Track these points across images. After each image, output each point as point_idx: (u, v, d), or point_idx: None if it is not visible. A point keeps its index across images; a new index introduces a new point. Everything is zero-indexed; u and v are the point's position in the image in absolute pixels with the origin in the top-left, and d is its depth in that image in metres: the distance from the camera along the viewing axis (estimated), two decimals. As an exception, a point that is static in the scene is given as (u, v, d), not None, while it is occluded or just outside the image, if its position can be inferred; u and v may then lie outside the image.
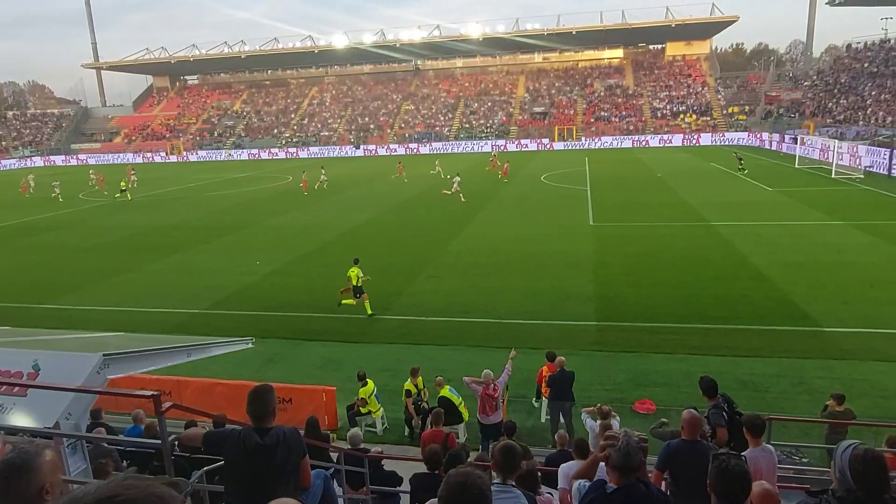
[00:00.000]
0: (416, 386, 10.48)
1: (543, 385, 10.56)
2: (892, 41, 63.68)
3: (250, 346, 9.94)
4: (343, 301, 16.04)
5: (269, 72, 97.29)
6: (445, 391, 9.85)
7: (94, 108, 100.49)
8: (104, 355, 4.63)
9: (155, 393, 3.85)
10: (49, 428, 3.99)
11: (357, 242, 24.57)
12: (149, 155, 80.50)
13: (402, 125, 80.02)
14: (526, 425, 10.68)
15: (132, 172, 49.24)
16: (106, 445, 6.19)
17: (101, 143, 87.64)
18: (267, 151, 77.06)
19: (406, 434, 10.59)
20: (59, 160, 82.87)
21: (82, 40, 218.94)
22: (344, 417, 10.78)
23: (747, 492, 3.06)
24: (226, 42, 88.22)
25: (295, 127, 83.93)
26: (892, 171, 36.58)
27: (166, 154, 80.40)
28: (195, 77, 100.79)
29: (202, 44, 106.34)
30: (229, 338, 10.61)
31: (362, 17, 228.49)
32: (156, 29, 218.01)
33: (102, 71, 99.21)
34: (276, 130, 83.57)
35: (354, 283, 15.79)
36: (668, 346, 13.34)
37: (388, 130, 79.19)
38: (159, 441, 3.98)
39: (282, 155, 76.27)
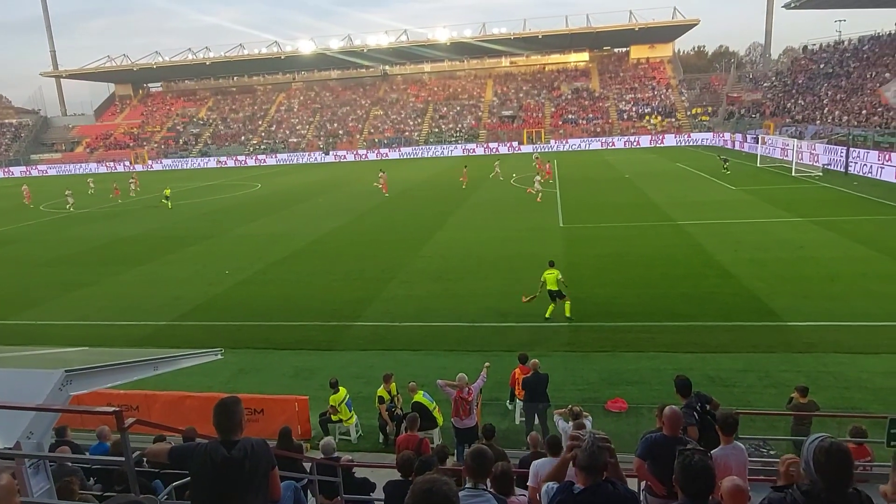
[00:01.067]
0: (389, 392, 10.42)
1: (517, 387, 10.60)
2: (846, 43, 65.83)
3: (219, 357, 9.76)
4: (526, 301, 15.54)
5: (236, 78, 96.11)
6: (419, 396, 9.82)
7: (54, 117, 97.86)
8: (66, 371, 4.50)
9: (117, 409, 3.75)
10: (9, 448, 3.86)
11: (328, 249, 24.42)
12: (111, 164, 78.76)
13: (372, 130, 79.80)
14: (500, 428, 10.66)
15: (132, 181, 48.11)
16: (70, 464, 6.01)
17: (61, 154, 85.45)
18: (234, 159, 76.07)
19: (381, 441, 10.53)
20: (18, 171, 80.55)
21: (40, 48, 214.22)
22: (318, 427, 10.67)
23: (710, 487, 3.12)
24: (190, 48, 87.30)
25: (263, 134, 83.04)
26: (849, 168, 37.76)
27: (130, 163, 78.78)
28: (159, 84, 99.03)
29: (166, 50, 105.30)
30: (198, 349, 10.43)
31: (330, 21, 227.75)
32: (117, 36, 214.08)
33: (62, 79, 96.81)
34: (243, 137, 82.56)
35: (554, 287, 15.08)
36: (638, 344, 13.52)
37: (358, 136, 78.90)
38: (123, 458, 3.88)
39: (250, 162, 75.39)
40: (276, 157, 75.35)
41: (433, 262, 21.51)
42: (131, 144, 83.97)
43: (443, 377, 10.35)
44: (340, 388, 10.48)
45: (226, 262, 22.84)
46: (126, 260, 24.35)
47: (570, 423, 7.63)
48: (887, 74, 49.17)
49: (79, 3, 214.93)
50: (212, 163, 75.73)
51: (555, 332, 14.44)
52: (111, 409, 3.81)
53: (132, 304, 18.41)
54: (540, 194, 33.58)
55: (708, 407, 7.17)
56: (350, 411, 10.51)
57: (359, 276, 20.18)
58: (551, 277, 15.15)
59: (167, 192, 39.88)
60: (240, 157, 76.30)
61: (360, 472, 7.99)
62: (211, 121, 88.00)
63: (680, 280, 17.73)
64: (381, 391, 10.41)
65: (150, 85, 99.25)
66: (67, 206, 39.94)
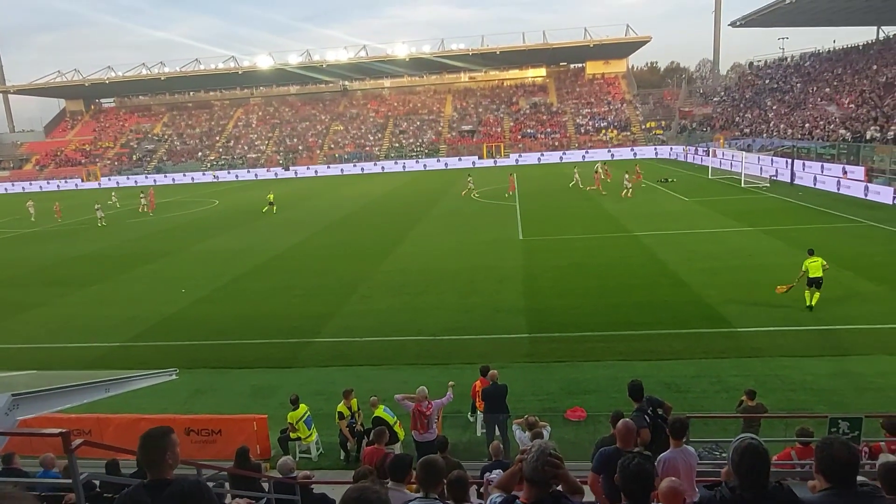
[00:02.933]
0: (349, 408, 10.38)
1: (478, 399, 10.69)
2: (789, 59, 68.90)
3: (174, 377, 9.61)
4: (782, 290, 15.81)
5: (191, 93, 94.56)
6: (380, 411, 9.82)
7: (2, 134, 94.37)
8: (13, 395, 4.40)
9: (63, 431, 3.69)
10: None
11: (288, 266, 24.18)
12: (62, 182, 76.34)
13: (332, 146, 79.49)
14: (462, 440, 10.78)
15: (142, 196, 46.34)
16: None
17: (9, 171, 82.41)
18: (188, 176, 74.67)
19: (342, 458, 10.46)
20: (-39, 190, 77.30)
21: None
22: (277, 445, 10.55)
23: (648, 490, 3.26)
24: (144, 63, 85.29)
25: (220, 149, 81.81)
26: (794, 179, 39.36)
27: (82, 180, 76.53)
28: (111, 100, 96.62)
29: (119, 65, 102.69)
30: (152, 370, 10.23)
31: (288, 37, 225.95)
32: (67, 50, 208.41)
33: (10, 95, 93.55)
34: (199, 153, 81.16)
35: (819, 274, 15.16)
36: (596, 353, 13.79)
37: (318, 151, 78.46)
38: (69, 481, 3.81)
39: (208, 178, 74.10)
40: (232, 172, 74.24)
41: (393, 276, 21.52)
42: (83, 161, 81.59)
43: (403, 391, 10.38)
44: (301, 405, 10.40)
45: (182, 281, 22.39)
46: (77, 280, 23.63)
47: (528, 433, 7.76)
48: (827, 90, 51.58)
49: (27, 16, 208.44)
50: (167, 179, 74.13)
51: (514, 344, 14.62)
52: (57, 430, 3.75)
53: (84, 325, 17.89)
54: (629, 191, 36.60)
55: (660, 411, 7.41)
56: (309, 429, 10.42)
57: (319, 291, 20.05)
58: (815, 265, 15.34)
59: (270, 197, 40.19)
60: (194, 174, 74.93)
61: (320, 489, 7.94)
62: (166, 137, 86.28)
63: (636, 290, 18.17)
64: (340, 407, 10.36)
65: (102, 100, 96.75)
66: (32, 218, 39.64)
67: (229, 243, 29.71)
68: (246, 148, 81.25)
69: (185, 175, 75.22)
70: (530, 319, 16.13)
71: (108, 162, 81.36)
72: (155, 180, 73.72)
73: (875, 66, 49.74)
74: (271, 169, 74.65)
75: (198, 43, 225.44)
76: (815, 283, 15.37)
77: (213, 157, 79.90)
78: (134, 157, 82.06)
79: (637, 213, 31.10)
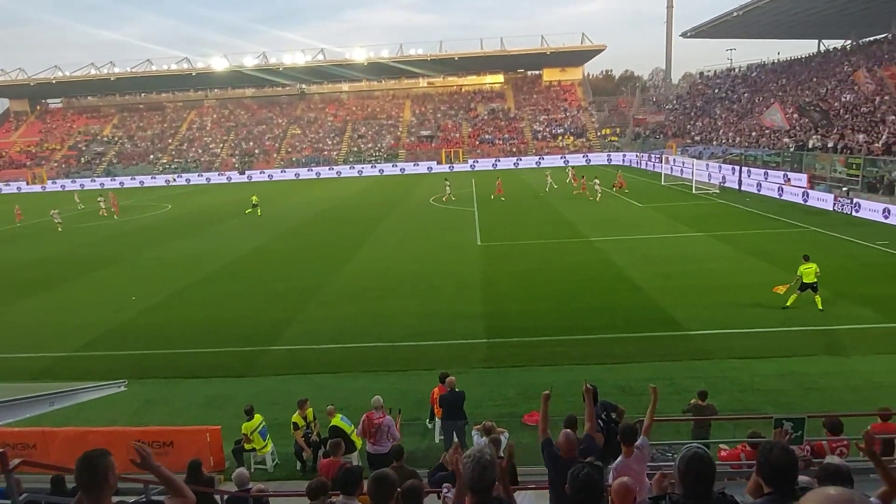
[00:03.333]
0: (304, 418, 10.22)
1: (436, 406, 10.69)
2: (737, 70, 71.42)
3: (123, 388, 9.32)
4: (780, 291, 16.08)
5: (143, 95, 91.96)
6: (337, 420, 9.70)
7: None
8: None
9: (0, 451, 3.53)
10: None
11: (244, 272, 23.72)
12: (4, 185, 73.10)
13: (289, 150, 78.42)
14: (420, 447, 10.74)
15: (100, 199, 45.03)
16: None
17: (-54, 174, 78.46)
18: (137, 179, 72.53)
19: (298, 468, 10.29)
20: None
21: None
22: (231, 457, 10.31)
23: (597, 498, 3.31)
24: (93, 63, 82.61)
25: (173, 152, 79.75)
26: (742, 186, 40.76)
27: (27, 183, 73.46)
28: (58, 100, 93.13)
29: (66, 65, 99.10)
30: (100, 382, 9.89)
31: (245, 39, 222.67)
32: (12, 49, 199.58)
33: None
34: (151, 156, 78.93)
35: (812, 279, 15.66)
36: (553, 358, 13.96)
37: (275, 155, 77.29)
38: (9, 502, 3.65)
39: (159, 182, 72.11)
40: (183, 177, 72.43)
41: (352, 282, 21.35)
42: (28, 164, 78.32)
43: (361, 400, 10.28)
44: (256, 415, 10.20)
45: (133, 288, 21.71)
46: (21, 287, 22.65)
47: (485, 439, 7.80)
48: (772, 99, 53.61)
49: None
50: (116, 183, 71.76)
51: (473, 349, 14.67)
52: (-7, 450, 3.58)
53: (28, 335, 17.16)
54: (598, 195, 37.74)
55: (614, 415, 7.55)
56: (264, 439, 10.22)
57: (276, 298, 19.72)
58: (809, 271, 15.72)
59: (255, 199, 39.63)
60: (142, 177, 72.83)
61: (276, 502, 7.80)
62: (116, 139, 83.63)
63: (592, 294, 18.49)
64: (295, 417, 10.21)
65: (48, 101, 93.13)
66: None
67: (183, 249, 28.96)
68: (200, 151, 79.43)
69: (133, 179, 72.99)
70: (488, 324, 16.23)
71: (55, 164, 78.32)
72: (103, 184, 71.25)
73: (815, 78, 52.01)
74: (225, 173, 73.14)
75: (150, 44, 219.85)
76: (809, 288, 15.89)
77: (165, 161, 77.81)
78: (82, 159, 79.23)
79: (592, 218, 31.67)
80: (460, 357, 14.17)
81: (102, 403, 11.11)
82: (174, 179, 71.79)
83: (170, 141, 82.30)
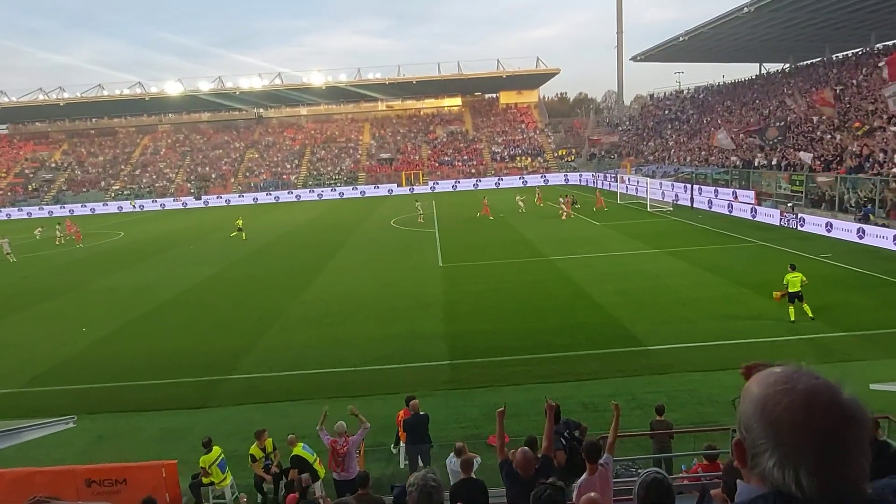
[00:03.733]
0: (262, 449, 9.96)
1: (401, 430, 10.56)
2: (685, 92, 74.11)
3: (72, 425, 8.94)
4: (777, 297, 16.22)
5: (94, 120, 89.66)
6: (298, 449, 9.48)
7: None
8: None
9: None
10: None
11: (200, 299, 23.15)
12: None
13: (247, 174, 77.43)
14: (385, 473, 10.59)
15: (58, 227, 43.32)
16: None
17: None
18: (87, 207, 70.37)
19: (259, 501, 10.00)
20: None
21: None
22: (189, 492, 9.94)
23: None
24: (41, 88, 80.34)
25: (126, 178, 77.78)
26: (694, 203, 42.04)
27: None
28: (4, 126, 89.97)
29: (12, 90, 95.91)
30: (47, 419, 9.46)
31: (201, 63, 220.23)
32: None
33: None
34: (103, 182, 76.80)
35: (797, 289, 15.78)
36: (516, 377, 13.99)
37: (232, 179, 76.18)
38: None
39: (112, 208, 70.12)
40: (136, 203, 70.67)
41: (313, 306, 21.06)
42: (-31, 192, 75.25)
43: (342, 424, 10.06)
44: (214, 447, 9.89)
45: (84, 319, 20.92)
46: (-40, 323, 21.57)
47: (457, 460, 7.73)
48: (719, 120, 55.72)
49: None
50: (66, 210, 69.46)
51: (436, 371, 14.60)
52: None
53: (-33, 373, 16.28)
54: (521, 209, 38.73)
55: (577, 433, 7.60)
56: (224, 472, 9.91)
57: (234, 326, 19.29)
58: (795, 280, 15.82)
59: (239, 222, 38.99)
60: (91, 205, 70.72)
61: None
62: (66, 165, 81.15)
63: (553, 312, 18.67)
64: (253, 449, 9.94)
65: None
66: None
67: (137, 278, 28.10)
68: (154, 177, 77.70)
69: (84, 206, 70.77)
70: (451, 346, 16.20)
71: (1, 192, 75.41)
72: (51, 212, 68.93)
73: (759, 99, 54.34)
74: (181, 198, 71.65)
75: (102, 68, 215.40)
76: (796, 297, 16.14)
77: (118, 187, 75.81)
78: (30, 187, 76.52)
79: (551, 237, 32.12)
80: (424, 379, 14.07)
81: (50, 441, 10.60)
82: (134, 206, 69.90)
83: (122, 167, 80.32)
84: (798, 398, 1.20)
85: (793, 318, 16.16)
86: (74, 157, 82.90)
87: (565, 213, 39.27)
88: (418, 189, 69.94)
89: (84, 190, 75.27)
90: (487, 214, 41.39)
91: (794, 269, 16.55)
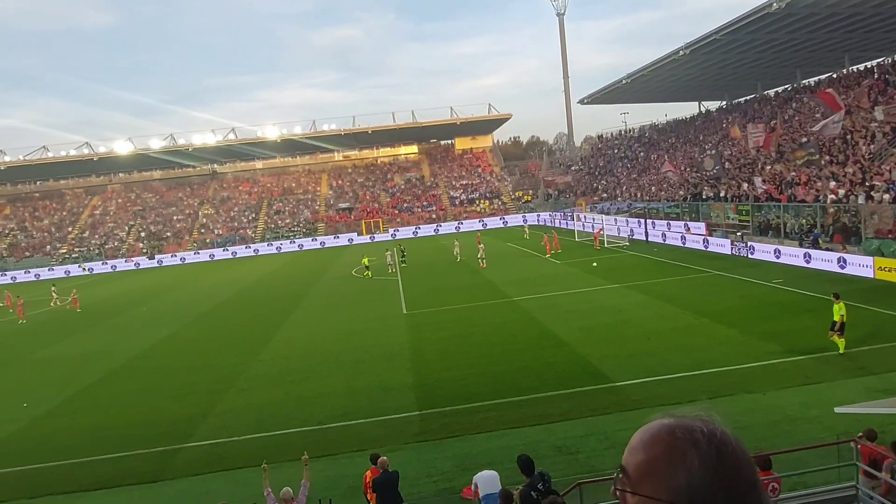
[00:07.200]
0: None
1: (368, 492, 10.05)
2: (631, 131, 76.81)
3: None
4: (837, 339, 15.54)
5: (39, 183, 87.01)
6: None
7: None
8: None
9: None
10: None
11: (152, 365, 22.10)
12: None
13: (203, 230, 75.95)
14: (355, 538, 10.00)
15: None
16: None
17: None
18: (31, 273, 67.55)
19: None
20: None
21: None
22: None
23: None
24: (-21, 152, 77.78)
25: (73, 241, 75.25)
26: (649, 237, 42.95)
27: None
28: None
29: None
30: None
31: (152, 120, 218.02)
32: None
33: None
34: (48, 247, 74.07)
35: (835, 317, 15.42)
36: (487, 423, 13.63)
37: (187, 237, 74.55)
38: None
39: (58, 273, 67.43)
40: (82, 266, 68.22)
41: (274, 364, 20.33)
42: None
43: (288, 490, 9.51)
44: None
45: (24, 394, 19.66)
46: None
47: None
48: (665, 156, 57.72)
49: None
50: (7, 278, 66.44)
51: (405, 423, 14.12)
52: None
53: None
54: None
55: (550, 486, 7.31)
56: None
57: (189, 390, 18.39)
58: (835, 309, 15.40)
59: (365, 260, 39.03)
60: (35, 270, 67.92)
61: None
62: (7, 230, 78.14)
63: (520, 354, 18.45)
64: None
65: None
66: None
67: (82, 346, 26.76)
68: (104, 238, 75.43)
69: (27, 272, 67.87)
70: (419, 395, 15.76)
71: (-65, 263, 71.84)
72: (-7, 280, 65.86)
73: (702, 136, 56.64)
74: (133, 259, 69.55)
75: (47, 129, 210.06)
76: (835, 327, 15.52)
77: (65, 250, 73.20)
78: (-32, 255, 73.19)
79: (513, 278, 32.16)
80: (392, 433, 13.57)
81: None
82: (83, 269, 67.29)
83: (69, 229, 77.80)
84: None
85: (841, 351, 15.49)
86: (16, 222, 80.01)
87: (551, 251, 39.91)
88: (379, 237, 69.69)
89: (27, 255, 72.39)
90: (481, 257, 38.50)
91: (837, 298, 15.61)
